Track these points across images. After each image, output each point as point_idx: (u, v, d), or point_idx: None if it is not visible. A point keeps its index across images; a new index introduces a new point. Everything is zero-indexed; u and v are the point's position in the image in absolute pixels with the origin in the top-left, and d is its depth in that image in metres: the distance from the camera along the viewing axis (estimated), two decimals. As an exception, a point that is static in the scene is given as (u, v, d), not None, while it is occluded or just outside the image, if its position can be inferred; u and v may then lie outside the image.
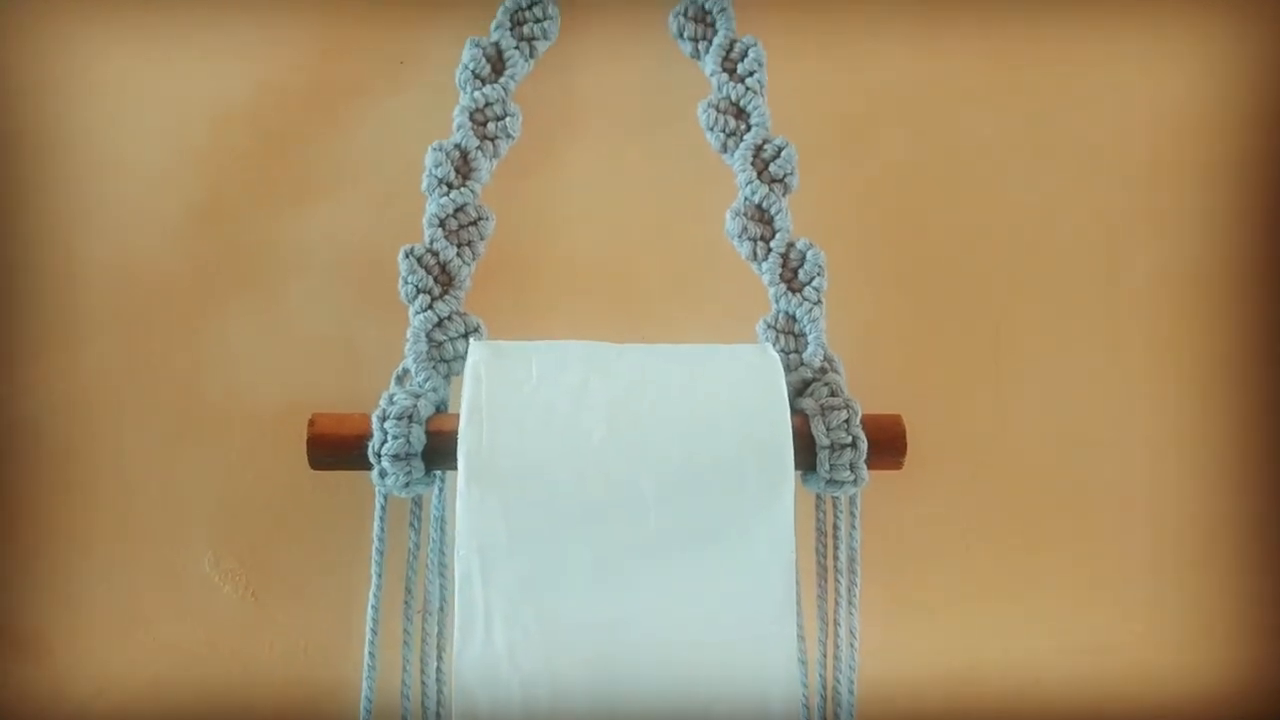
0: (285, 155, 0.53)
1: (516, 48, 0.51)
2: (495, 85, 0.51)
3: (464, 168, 0.50)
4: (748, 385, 0.44)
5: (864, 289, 0.53)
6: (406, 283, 0.48)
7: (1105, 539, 0.58)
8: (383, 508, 0.48)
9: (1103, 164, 0.56)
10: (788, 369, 0.48)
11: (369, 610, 0.49)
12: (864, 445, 0.46)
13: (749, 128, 0.51)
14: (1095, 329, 0.56)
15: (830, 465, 0.45)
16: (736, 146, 0.51)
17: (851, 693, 0.48)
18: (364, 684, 0.49)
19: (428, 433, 0.45)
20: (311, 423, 0.46)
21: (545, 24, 0.52)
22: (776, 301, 0.50)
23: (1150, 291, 0.56)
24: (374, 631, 0.49)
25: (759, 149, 0.50)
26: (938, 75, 0.57)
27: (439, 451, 0.45)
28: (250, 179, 0.52)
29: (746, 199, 0.50)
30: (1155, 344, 0.57)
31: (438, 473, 0.48)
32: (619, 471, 0.42)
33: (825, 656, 0.49)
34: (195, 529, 0.53)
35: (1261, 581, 0.60)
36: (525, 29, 0.51)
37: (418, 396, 0.46)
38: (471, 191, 0.50)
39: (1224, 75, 0.57)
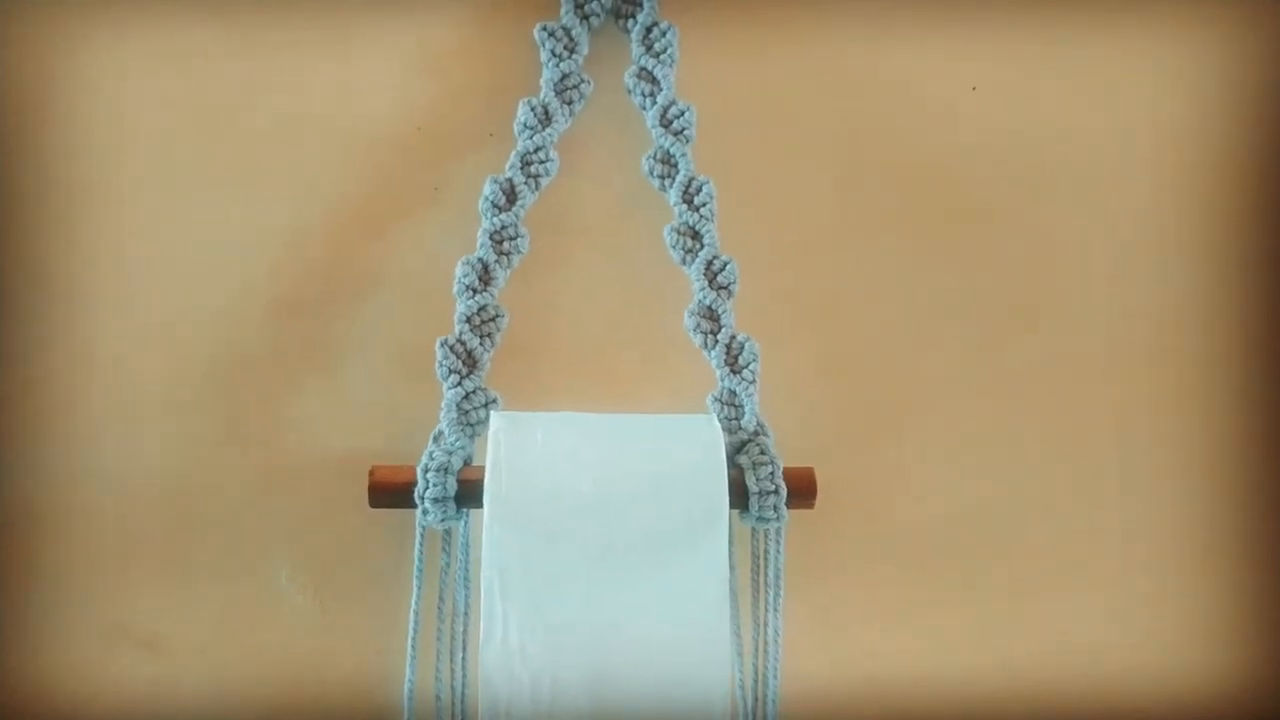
0: (345, 262, 0.60)
1: (525, 183, 0.58)
2: (509, 213, 0.58)
3: (485, 276, 0.57)
4: (697, 448, 0.53)
5: (789, 370, 0.60)
6: (441, 365, 0.56)
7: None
8: (422, 536, 0.56)
9: (1007, 264, 0.62)
10: (729, 432, 0.56)
11: (411, 614, 0.56)
12: (784, 492, 0.54)
13: (702, 246, 0.58)
14: (1000, 385, 0.61)
15: (759, 507, 0.54)
16: (693, 261, 0.58)
17: (776, 677, 0.57)
18: (407, 670, 0.56)
19: (459, 482, 0.53)
20: (372, 473, 0.54)
21: (548, 164, 0.58)
22: (722, 380, 0.57)
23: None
24: (415, 630, 0.56)
25: (709, 263, 0.58)
26: (858, 206, 0.61)
27: (467, 496, 0.53)
28: (318, 281, 0.60)
29: (699, 302, 0.58)
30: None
31: (465, 511, 0.55)
32: (602, 514, 0.51)
33: (757, 650, 0.57)
34: (276, 552, 0.60)
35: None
36: (533, 168, 0.58)
37: (450, 453, 0.55)
38: (491, 295, 0.57)
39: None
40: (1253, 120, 0.62)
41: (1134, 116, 0.63)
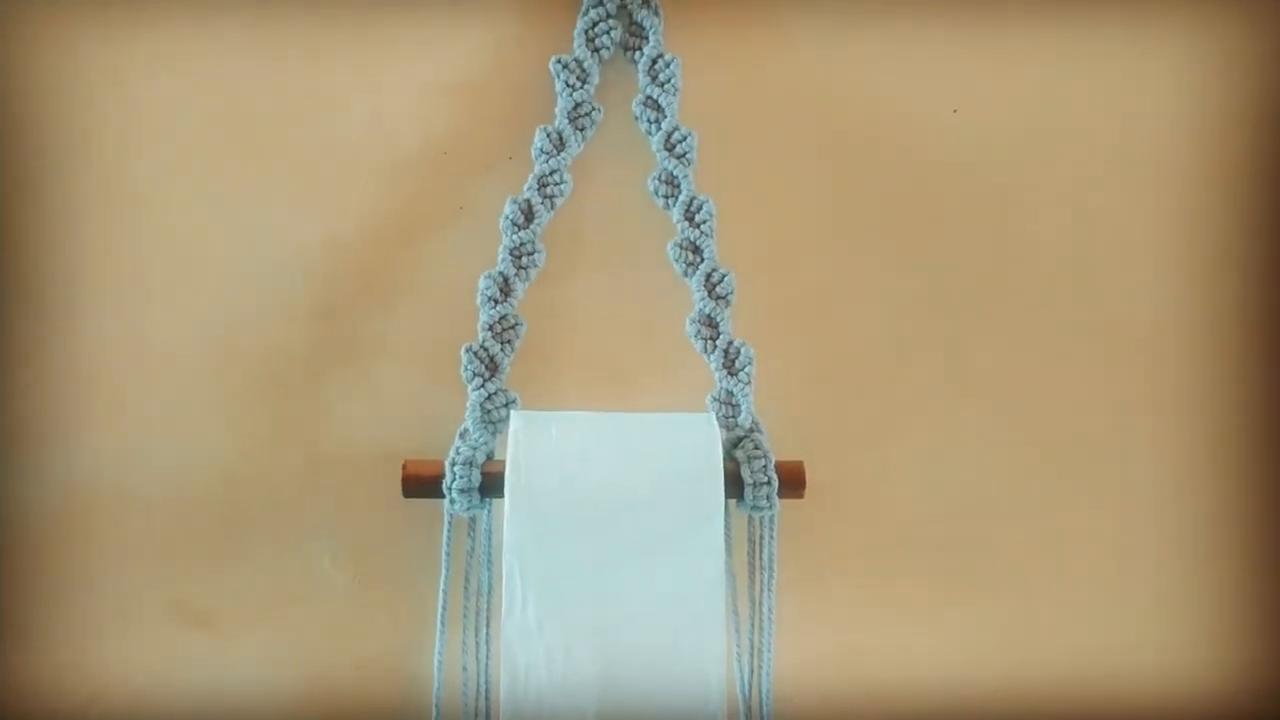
0: (379, 274, 0.63)
1: (542, 203, 0.62)
2: (527, 230, 0.61)
3: (505, 288, 0.61)
4: (696, 444, 0.57)
5: (782, 373, 0.63)
6: (466, 369, 0.60)
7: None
8: (449, 524, 0.60)
9: (971, 261, 0.64)
10: (726, 429, 0.59)
11: (439, 593, 0.60)
12: (776, 483, 0.57)
13: (702, 260, 0.61)
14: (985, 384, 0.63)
15: (753, 496, 0.57)
16: (694, 273, 0.61)
17: (770, 650, 0.60)
18: (436, 643, 0.60)
19: (482, 474, 0.57)
20: (404, 466, 0.59)
21: (563, 185, 0.62)
22: (720, 382, 0.61)
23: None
24: (443, 608, 0.60)
25: (709, 275, 0.61)
26: (851, 209, 0.64)
27: (489, 487, 0.57)
28: (353, 288, 0.63)
29: (700, 311, 0.61)
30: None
31: (488, 500, 0.59)
32: (609, 504, 0.55)
33: (753, 626, 0.60)
34: (319, 538, 0.64)
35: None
36: (548, 189, 0.62)
37: (475, 449, 0.58)
38: (511, 305, 0.61)
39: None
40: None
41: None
